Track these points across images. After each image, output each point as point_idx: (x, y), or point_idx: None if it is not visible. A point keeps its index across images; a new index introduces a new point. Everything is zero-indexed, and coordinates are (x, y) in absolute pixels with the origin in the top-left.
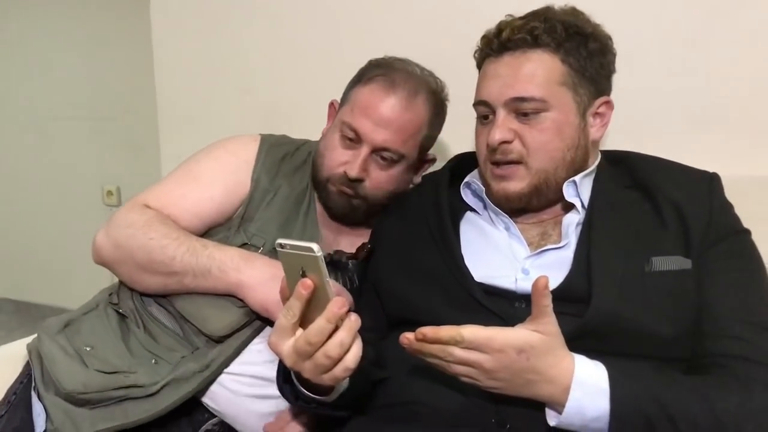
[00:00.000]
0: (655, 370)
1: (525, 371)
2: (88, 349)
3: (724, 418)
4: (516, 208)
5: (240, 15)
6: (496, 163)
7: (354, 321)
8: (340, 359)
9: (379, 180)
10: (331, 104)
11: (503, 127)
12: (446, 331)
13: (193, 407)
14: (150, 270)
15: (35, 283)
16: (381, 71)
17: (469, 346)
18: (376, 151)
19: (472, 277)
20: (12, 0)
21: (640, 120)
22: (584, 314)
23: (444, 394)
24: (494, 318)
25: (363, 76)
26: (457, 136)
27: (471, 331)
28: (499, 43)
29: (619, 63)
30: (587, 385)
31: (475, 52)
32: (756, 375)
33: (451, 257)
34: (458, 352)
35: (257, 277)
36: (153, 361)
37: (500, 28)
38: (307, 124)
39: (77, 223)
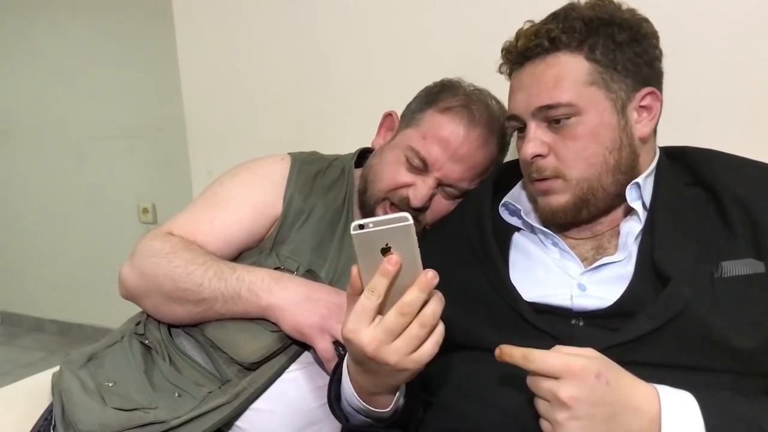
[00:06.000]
0: (740, 395)
1: (605, 401)
2: (109, 384)
3: None
4: (564, 223)
5: (265, 26)
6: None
7: (441, 296)
8: (431, 332)
9: (441, 210)
10: (389, 115)
11: (535, 140)
12: (519, 349)
13: None
14: (177, 299)
15: (77, 303)
16: (460, 101)
17: (543, 370)
18: (443, 184)
19: (521, 297)
20: (43, 21)
21: (690, 115)
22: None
23: (497, 421)
24: (547, 338)
25: (438, 101)
26: None
27: (543, 353)
28: (517, 54)
29: (667, 56)
30: (678, 413)
31: (500, 66)
32: None
33: (497, 277)
34: (539, 382)
35: (290, 298)
36: (176, 394)
37: (517, 37)
38: (341, 136)
39: (114, 242)
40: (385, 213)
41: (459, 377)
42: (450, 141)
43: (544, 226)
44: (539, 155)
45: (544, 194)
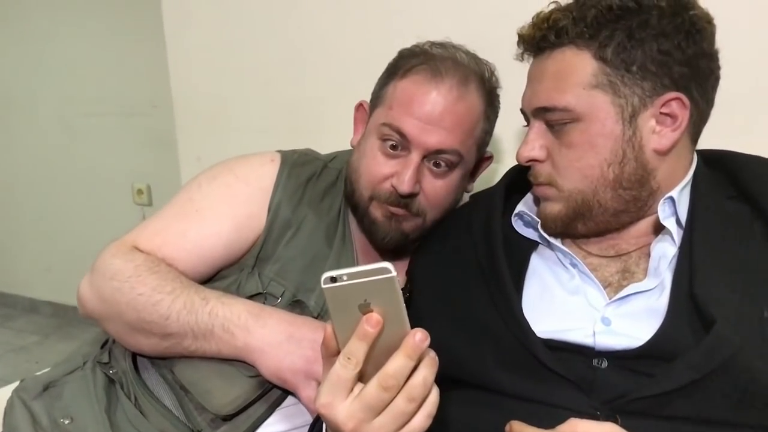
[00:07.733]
0: None
1: None
2: (65, 422)
3: None
4: (579, 234)
5: (257, 1)
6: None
7: (433, 357)
8: (422, 403)
9: (436, 191)
10: (360, 106)
11: (533, 142)
12: (530, 429)
13: None
14: (141, 331)
15: (72, 285)
16: (420, 60)
17: None
18: (429, 156)
19: (533, 332)
20: None
21: (727, 113)
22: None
23: None
24: (564, 383)
25: (398, 69)
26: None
27: None
28: (526, 43)
29: None
30: None
31: (520, 54)
32: None
33: (506, 305)
34: None
35: (269, 338)
36: None
37: (531, 23)
38: (338, 121)
39: (109, 223)
40: (383, 214)
41: (458, 424)
42: (417, 102)
43: (561, 241)
44: (535, 160)
45: (542, 200)
